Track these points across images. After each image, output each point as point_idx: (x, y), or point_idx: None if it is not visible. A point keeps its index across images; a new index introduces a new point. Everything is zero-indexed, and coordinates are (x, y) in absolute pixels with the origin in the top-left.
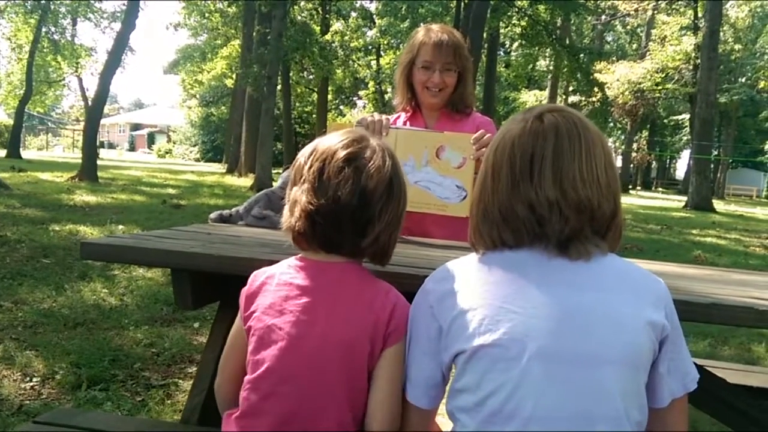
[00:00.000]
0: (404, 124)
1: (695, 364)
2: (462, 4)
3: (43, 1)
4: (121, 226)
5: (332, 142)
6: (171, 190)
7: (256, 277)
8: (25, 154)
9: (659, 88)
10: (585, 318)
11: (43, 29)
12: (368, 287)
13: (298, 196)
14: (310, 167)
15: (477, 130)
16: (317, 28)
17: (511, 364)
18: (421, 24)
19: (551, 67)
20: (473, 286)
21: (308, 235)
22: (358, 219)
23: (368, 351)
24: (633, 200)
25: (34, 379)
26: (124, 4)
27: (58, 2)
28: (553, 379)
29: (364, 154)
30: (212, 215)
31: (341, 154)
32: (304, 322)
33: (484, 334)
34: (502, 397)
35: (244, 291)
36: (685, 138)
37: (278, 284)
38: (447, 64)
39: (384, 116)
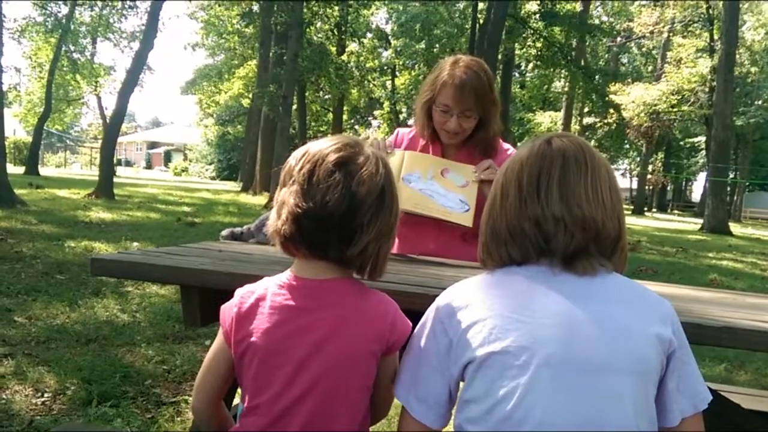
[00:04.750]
0: (420, 147)
1: (710, 388)
2: (477, 25)
3: (63, 21)
4: (135, 243)
5: (324, 145)
6: (186, 208)
7: (244, 298)
8: (44, 171)
9: (675, 110)
10: (593, 327)
11: (63, 48)
12: (364, 300)
13: (287, 197)
14: (300, 169)
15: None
16: (333, 49)
17: (520, 371)
18: (437, 45)
19: (566, 89)
20: (482, 300)
21: (295, 239)
22: (346, 225)
23: (372, 363)
24: (648, 222)
25: (46, 395)
26: (143, 25)
27: (78, 22)
28: (562, 385)
29: (357, 159)
30: (223, 232)
31: (332, 157)
32: (306, 344)
33: (493, 342)
34: (511, 405)
35: (233, 313)
36: (701, 160)
37: (272, 307)
38: (466, 111)
39: (387, 139)
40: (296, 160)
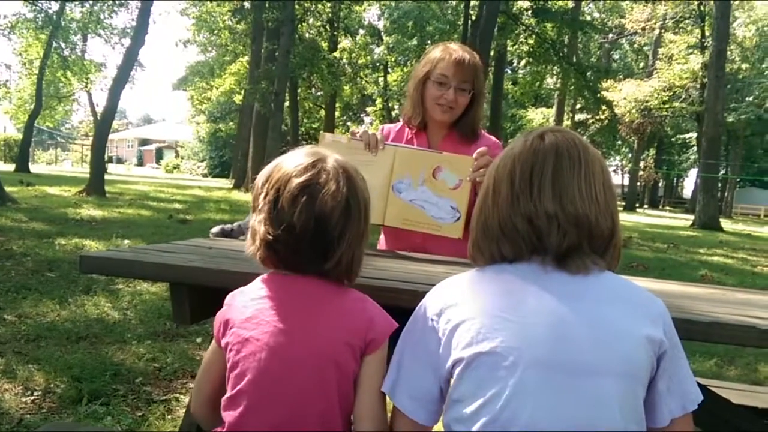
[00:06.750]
0: (405, 140)
1: (699, 384)
2: (469, 22)
3: (54, 17)
4: (126, 241)
5: (288, 167)
6: (178, 205)
7: (230, 300)
8: (34, 168)
9: (666, 106)
10: (582, 329)
11: (54, 45)
12: (340, 295)
13: (257, 226)
14: (266, 196)
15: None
16: (325, 45)
17: (507, 373)
18: (429, 41)
19: (558, 85)
20: (472, 297)
21: (272, 260)
22: (317, 244)
23: (348, 356)
24: (640, 218)
25: (35, 393)
26: (133, 20)
27: (69, 18)
28: (549, 388)
29: (319, 179)
30: (214, 229)
31: (294, 183)
32: (281, 332)
33: (481, 343)
34: (498, 406)
35: (220, 317)
36: (692, 157)
37: (251, 299)
38: (463, 83)
39: (378, 133)
40: (262, 183)
